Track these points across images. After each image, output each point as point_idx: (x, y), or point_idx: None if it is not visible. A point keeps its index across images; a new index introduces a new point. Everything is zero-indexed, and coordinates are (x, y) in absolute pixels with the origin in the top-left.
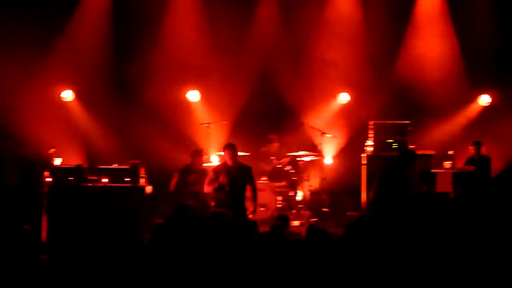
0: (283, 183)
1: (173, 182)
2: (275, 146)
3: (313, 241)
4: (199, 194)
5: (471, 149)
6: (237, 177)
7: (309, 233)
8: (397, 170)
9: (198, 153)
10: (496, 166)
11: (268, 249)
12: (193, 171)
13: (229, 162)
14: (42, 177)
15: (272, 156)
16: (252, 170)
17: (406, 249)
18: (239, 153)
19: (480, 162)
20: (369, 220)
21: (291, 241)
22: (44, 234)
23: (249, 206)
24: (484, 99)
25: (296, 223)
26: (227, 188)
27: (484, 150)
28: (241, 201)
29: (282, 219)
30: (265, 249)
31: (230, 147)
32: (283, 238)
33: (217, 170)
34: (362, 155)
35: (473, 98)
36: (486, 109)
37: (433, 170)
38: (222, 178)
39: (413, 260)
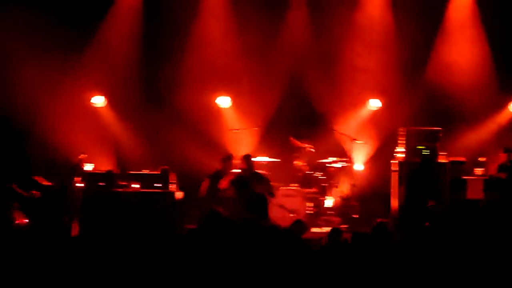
0: (313, 189)
1: (203, 188)
2: (305, 152)
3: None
4: (229, 199)
5: (503, 156)
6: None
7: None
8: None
9: (229, 159)
10: None
11: (284, 254)
12: (223, 176)
13: (243, 172)
14: (73, 183)
15: (303, 163)
16: (268, 180)
17: (429, 255)
18: (270, 159)
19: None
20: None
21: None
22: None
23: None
24: None
25: (325, 229)
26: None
27: None
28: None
29: (298, 225)
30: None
31: (243, 158)
32: (300, 243)
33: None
34: (392, 161)
35: (504, 104)
36: None
37: (464, 177)
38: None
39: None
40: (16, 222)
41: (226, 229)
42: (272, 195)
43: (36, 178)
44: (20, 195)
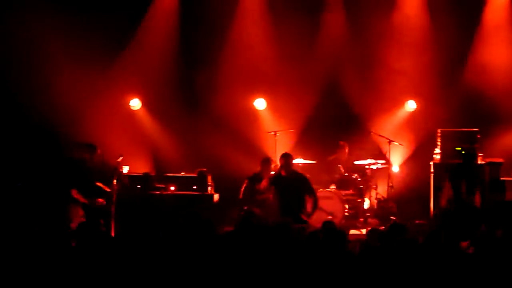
0: (351, 191)
1: (242, 190)
2: (343, 154)
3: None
4: (267, 202)
5: None
6: (291, 186)
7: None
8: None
9: (268, 162)
10: None
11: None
12: (262, 179)
13: (283, 172)
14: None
15: (340, 164)
16: (308, 179)
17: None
18: (307, 161)
19: None
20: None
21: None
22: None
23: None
24: None
25: (363, 231)
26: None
27: None
28: (294, 211)
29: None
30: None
31: (283, 156)
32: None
33: (270, 178)
34: (430, 163)
35: None
36: None
37: (502, 179)
38: (263, 185)
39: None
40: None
41: (261, 232)
42: (312, 194)
43: (99, 184)
44: (79, 201)
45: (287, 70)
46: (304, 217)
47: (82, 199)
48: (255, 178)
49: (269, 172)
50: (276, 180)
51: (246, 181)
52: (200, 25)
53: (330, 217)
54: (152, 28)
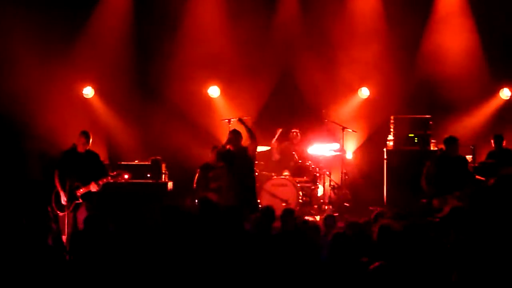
0: (305, 178)
1: (196, 179)
2: (296, 141)
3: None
4: (221, 189)
5: (493, 143)
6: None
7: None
8: None
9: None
10: None
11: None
12: (213, 166)
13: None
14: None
15: (294, 151)
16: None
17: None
18: (261, 148)
19: (502, 155)
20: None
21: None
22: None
23: None
24: (506, 93)
25: (317, 218)
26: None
27: (505, 143)
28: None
29: (265, 212)
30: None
31: (231, 132)
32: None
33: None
34: (383, 149)
35: (495, 91)
36: (508, 103)
37: None
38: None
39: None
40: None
41: (217, 218)
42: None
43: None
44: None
45: (241, 57)
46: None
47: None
48: (207, 167)
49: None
50: (225, 155)
51: (198, 170)
52: (155, 12)
53: (284, 204)
54: (106, 16)
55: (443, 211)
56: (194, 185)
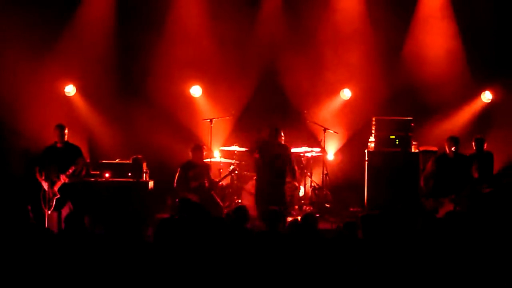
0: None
1: (176, 178)
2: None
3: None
4: (202, 188)
5: (474, 146)
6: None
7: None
8: None
9: (198, 148)
10: (499, 162)
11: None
12: (194, 165)
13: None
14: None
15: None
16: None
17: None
18: (242, 149)
19: (483, 158)
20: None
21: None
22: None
23: None
24: (487, 95)
25: (298, 218)
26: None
27: (486, 146)
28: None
29: (238, 212)
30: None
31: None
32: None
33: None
34: (365, 151)
35: (477, 94)
36: (489, 105)
37: None
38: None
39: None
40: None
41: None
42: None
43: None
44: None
45: (223, 57)
46: None
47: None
48: (188, 166)
49: (201, 159)
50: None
51: (179, 169)
52: (138, 11)
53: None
54: (89, 14)
55: (438, 213)
56: (175, 185)
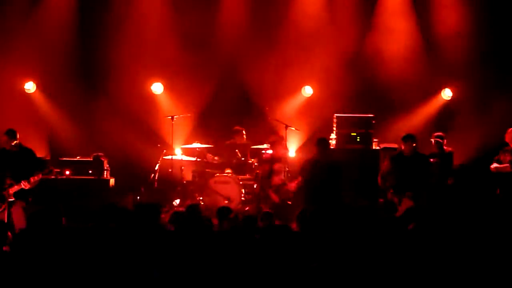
0: (247, 176)
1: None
2: (240, 138)
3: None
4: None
5: (433, 142)
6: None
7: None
8: None
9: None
10: (459, 159)
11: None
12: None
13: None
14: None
15: (237, 149)
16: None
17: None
18: (203, 146)
19: (443, 155)
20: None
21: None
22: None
23: None
24: (447, 93)
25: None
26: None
27: (446, 143)
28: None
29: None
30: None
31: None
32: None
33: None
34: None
35: (437, 91)
36: (449, 103)
37: None
38: None
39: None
40: None
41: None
42: None
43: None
44: None
45: (185, 54)
46: None
47: None
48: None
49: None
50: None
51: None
52: (98, 7)
53: (226, 201)
54: (48, 10)
55: (398, 211)
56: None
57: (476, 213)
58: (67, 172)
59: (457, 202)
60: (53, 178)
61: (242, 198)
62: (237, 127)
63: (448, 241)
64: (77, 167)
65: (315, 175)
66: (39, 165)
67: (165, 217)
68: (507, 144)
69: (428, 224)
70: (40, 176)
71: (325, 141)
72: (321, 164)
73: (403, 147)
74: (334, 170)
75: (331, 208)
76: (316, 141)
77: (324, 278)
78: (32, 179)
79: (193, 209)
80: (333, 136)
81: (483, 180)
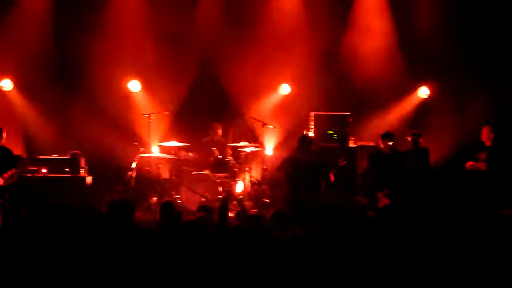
0: (224, 174)
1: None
2: (216, 135)
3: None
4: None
5: (410, 140)
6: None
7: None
8: None
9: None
10: (435, 157)
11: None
12: None
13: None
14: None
15: (214, 147)
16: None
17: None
18: (180, 144)
19: (419, 153)
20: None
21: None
22: None
23: None
24: (423, 91)
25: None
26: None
27: (422, 141)
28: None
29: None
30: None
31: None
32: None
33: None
34: None
35: (413, 90)
36: (425, 101)
37: None
38: None
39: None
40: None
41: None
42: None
43: None
44: None
45: (162, 52)
46: None
47: None
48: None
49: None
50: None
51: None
52: (75, 4)
53: (203, 199)
54: (24, 7)
55: (374, 209)
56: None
57: (450, 211)
58: (44, 170)
59: (432, 199)
60: (29, 176)
61: (219, 196)
62: (213, 123)
63: (425, 238)
64: (54, 165)
65: (298, 173)
66: (12, 162)
67: (141, 214)
68: (483, 143)
69: (404, 222)
70: (13, 170)
71: (306, 138)
72: (303, 162)
73: (381, 145)
74: (317, 168)
75: (313, 206)
76: (298, 139)
77: (305, 275)
78: (6, 175)
79: (168, 206)
80: (310, 134)
81: (457, 178)
